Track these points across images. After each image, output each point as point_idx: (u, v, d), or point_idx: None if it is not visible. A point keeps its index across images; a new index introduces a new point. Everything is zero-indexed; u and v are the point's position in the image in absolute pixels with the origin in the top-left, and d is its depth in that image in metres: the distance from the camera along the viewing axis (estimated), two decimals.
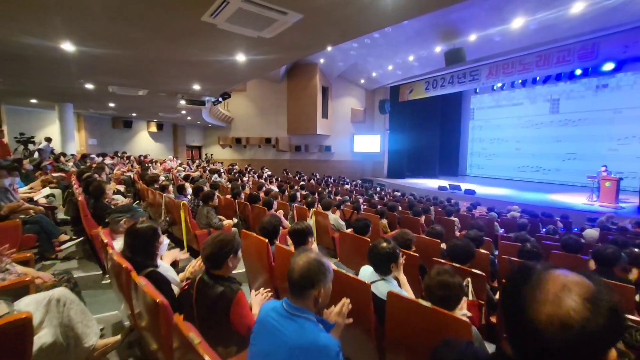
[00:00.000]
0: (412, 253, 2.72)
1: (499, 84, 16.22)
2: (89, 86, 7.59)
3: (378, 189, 14.82)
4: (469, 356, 0.79)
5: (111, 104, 10.62)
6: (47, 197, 4.44)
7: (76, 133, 13.48)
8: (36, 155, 7.39)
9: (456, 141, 22.09)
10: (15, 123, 10.50)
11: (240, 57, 5.24)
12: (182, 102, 8.70)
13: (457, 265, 2.45)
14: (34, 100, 10.07)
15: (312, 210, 5.05)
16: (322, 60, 18.20)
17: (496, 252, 4.17)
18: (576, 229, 7.84)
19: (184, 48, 4.83)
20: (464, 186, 14.60)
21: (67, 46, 4.67)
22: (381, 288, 1.87)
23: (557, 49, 12.26)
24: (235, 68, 5.90)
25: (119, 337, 1.87)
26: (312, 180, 14.07)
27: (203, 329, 1.53)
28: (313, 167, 19.81)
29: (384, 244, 1.97)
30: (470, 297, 2.24)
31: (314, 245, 2.58)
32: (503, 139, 20.06)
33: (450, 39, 13.19)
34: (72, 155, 9.72)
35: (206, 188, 5.00)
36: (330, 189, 10.85)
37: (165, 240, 1.97)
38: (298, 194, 5.93)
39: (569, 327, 0.62)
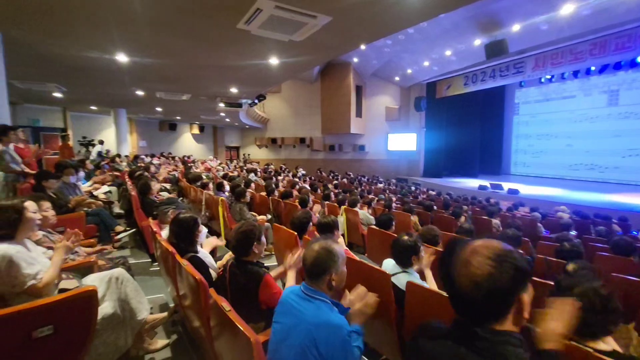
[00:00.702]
0: (438, 249, 2.72)
1: (548, 76, 15.12)
2: (140, 93, 8.34)
3: (413, 187, 14.51)
4: (432, 329, 0.88)
5: (158, 108, 11.52)
6: (105, 193, 4.99)
7: (129, 136, 14.79)
8: (94, 155, 8.28)
9: (498, 138, 20.80)
10: (78, 128, 11.82)
11: (274, 61, 5.49)
12: (221, 104, 9.21)
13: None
14: (93, 107, 11.26)
15: (342, 207, 5.18)
16: (355, 59, 18.11)
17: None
18: (635, 232, 7.14)
19: (222, 54, 5.17)
20: (507, 185, 13.83)
21: (122, 57, 5.22)
22: (402, 280, 1.93)
23: (614, 35, 11.15)
24: (269, 71, 6.18)
25: (166, 314, 2.12)
26: (345, 179, 14.14)
27: (235, 307, 1.71)
28: (347, 167, 19.80)
29: (405, 237, 2.02)
30: None
31: (340, 239, 2.68)
32: (552, 134, 18.58)
33: (490, 31, 12.55)
34: (126, 156, 10.71)
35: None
36: (363, 187, 10.85)
37: (204, 230, 2.20)
38: (332, 194, 6.06)
39: (478, 283, 0.73)
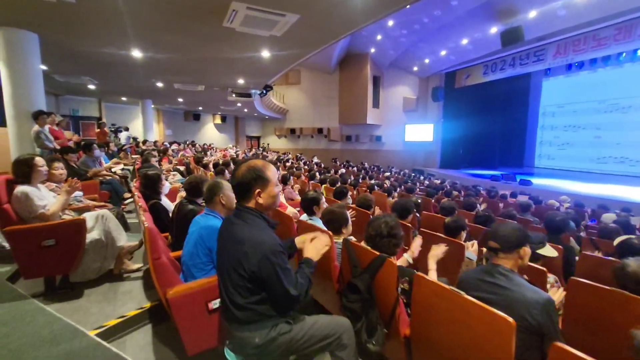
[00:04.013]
0: (367, 212, 3.24)
1: (576, 64, 14.53)
2: (160, 84, 9.33)
3: (421, 177, 14.65)
4: None
5: (180, 99, 12.59)
6: (122, 169, 5.92)
7: (156, 125, 16.14)
8: (123, 140, 9.43)
9: (522, 129, 19.98)
10: (111, 116, 13.23)
11: (265, 54, 6.10)
12: (232, 95, 10.00)
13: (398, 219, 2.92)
14: (123, 98, 12.56)
15: (323, 186, 5.79)
16: (372, 50, 18.19)
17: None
18: (593, 221, 7.16)
19: (218, 48, 5.87)
20: (522, 177, 13.67)
21: (136, 53, 6.08)
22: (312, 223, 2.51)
23: None
24: (264, 63, 6.81)
25: (137, 242, 2.85)
26: (354, 168, 14.60)
27: (177, 233, 2.38)
28: (363, 157, 20.02)
29: (311, 192, 2.59)
30: None
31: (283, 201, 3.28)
32: (580, 126, 17.64)
33: (506, 18, 12.30)
34: (153, 142, 11.90)
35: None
36: (370, 175, 11.27)
37: (167, 184, 2.90)
38: (317, 174, 6.65)
39: (235, 177, 1.35)
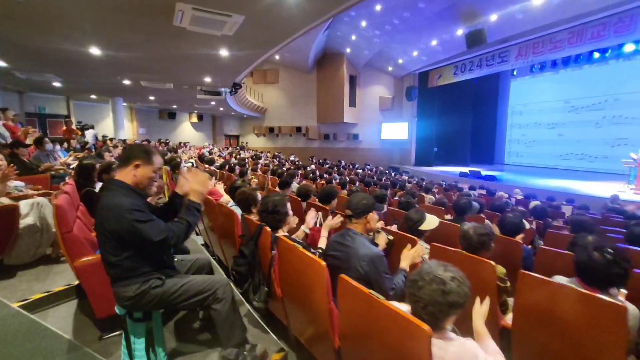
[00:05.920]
0: (311, 202, 3.51)
1: (538, 65, 15.38)
2: (127, 82, 9.33)
3: (393, 174, 15.13)
4: None
5: (151, 97, 12.55)
6: None
7: (129, 123, 15.96)
8: (89, 138, 9.38)
9: (492, 128, 20.87)
10: (80, 114, 13.07)
11: (224, 52, 6.28)
12: (203, 93, 10.10)
13: (321, 204, 3.20)
14: (93, 96, 12.41)
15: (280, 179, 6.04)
16: (348, 50, 18.54)
17: None
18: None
19: (177, 46, 6.00)
20: (489, 173, 14.39)
21: (95, 50, 6.14)
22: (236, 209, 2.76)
23: (590, 24, 11.30)
24: (225, 61, 6.98)
25: None
26: (327, 165, 14.98)
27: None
28: (341, 155, 20.31)
29: (238, 181, 2.86)
30: (318, 226, 2.99)
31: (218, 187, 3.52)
32: (545, 124, 18.58)
33: (470, 20, 12.82)
34: (122, 140, 11.83)
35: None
36: (339, 171, 11.65)
37: None
38: (279, 170, 6.94)
39: (128, 146, 1.76)
